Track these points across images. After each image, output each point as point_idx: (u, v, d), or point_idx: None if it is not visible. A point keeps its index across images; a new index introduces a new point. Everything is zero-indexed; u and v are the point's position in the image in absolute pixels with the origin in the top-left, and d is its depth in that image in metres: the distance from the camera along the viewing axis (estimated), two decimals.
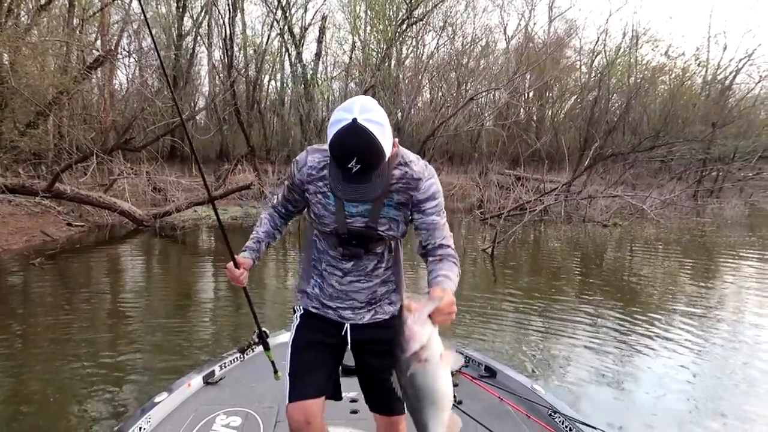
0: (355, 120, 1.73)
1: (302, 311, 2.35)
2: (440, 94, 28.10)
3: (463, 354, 4.41)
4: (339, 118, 1.76)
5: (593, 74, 30.86)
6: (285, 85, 28.42)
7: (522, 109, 33.22)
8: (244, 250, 2.31)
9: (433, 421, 1.63)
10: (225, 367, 4.27)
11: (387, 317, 2.24)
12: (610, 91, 29.54)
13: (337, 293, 2.22)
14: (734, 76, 32.05)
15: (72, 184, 15.14)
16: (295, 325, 2.33)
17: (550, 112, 34.59)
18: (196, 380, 4.05)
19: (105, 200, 14.39)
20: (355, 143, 1.75)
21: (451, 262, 2.00)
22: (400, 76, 26.01)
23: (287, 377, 2.22)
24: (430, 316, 1.59)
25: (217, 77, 27.38)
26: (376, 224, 2.03)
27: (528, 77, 29.93)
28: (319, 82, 26.00)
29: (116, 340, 6.48)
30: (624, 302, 8.50)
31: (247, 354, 4.37)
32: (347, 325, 2.24)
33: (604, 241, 14.93)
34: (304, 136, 23.45)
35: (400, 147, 2.01)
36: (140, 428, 3.36)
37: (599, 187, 20.81)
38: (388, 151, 1.83)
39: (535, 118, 34.40)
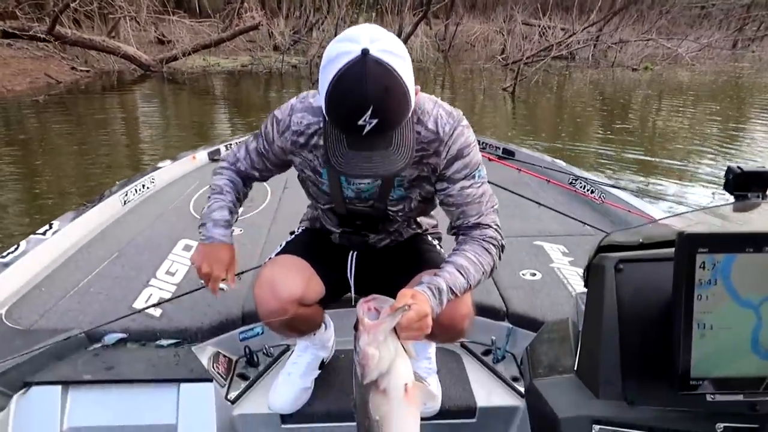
0: (365, 51, 1.11)
1: (300, 230, 1.90)
2: None
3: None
4: (340, 52, 1.13)
5: None
6: None
7: None
8: (220, 226, 1.60)
9: None
10: (231, 147, 4.19)
11: (407, 237, 1.74)
12: None
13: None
14: None
15: (79, 31, 14.45)
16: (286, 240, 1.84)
17: None
18: (201, 154, 4.06)
19: (108, 44, 13.80)
20: (369, 86, 1.11)
21: (484, 248, 1.40)
22: None
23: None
24: (395, 329, 1.16)
25: None
26: (384, 204, 1.53)
27: None
28: None
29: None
30: (647, 149, 8.00)
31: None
32: (352, 254, 1.73)
33: (632, 86, 14.13)
34: None
35: (418, 99, 1.35)
36: (143, 185, 3.36)
37: (632, 35, 19.45)
38: (412, 99, 1.21)
39: None
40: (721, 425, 0.99)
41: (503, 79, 13.52)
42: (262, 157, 1.59)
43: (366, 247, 1.69)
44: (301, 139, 1.46)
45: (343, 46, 1.13)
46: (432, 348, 1.89)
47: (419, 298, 1.22)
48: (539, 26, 19.00)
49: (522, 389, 1.86)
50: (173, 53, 14.45)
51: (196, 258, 1.58)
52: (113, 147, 7.17)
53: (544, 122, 9.24)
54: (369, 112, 1.12)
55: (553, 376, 1.17)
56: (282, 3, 20.47)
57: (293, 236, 1.85)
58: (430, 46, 18.11)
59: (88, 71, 13.57)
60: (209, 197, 1.64)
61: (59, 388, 1.70)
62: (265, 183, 3.32)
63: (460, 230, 1.48)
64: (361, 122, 1.13)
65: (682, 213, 1.14)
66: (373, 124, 1.13)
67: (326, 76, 1.15)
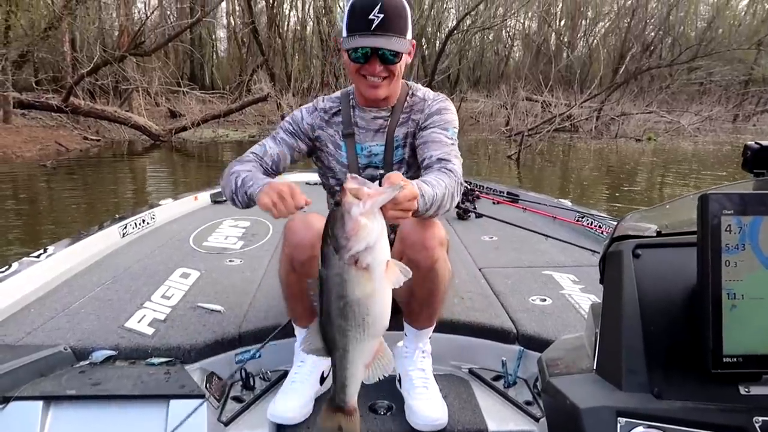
0: None
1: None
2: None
3: (477, 185, 4.29)
4: None
5: None
6: (306, 16, 27.42)
7: (553, 34, 31.71)
8: (266, 179, 1.63)
9: (355, 348, 1.21)
10: None
11: None
12: (648, 13, 27.87)
13: None
14: None
15: (92, 103, 14.86)
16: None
17: (582, 41, 32.96)
18: (203, 195, 4.08)
19: (120, 114, 14.14)
20: None
21: (441, 171, 1.58)
22: None
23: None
24: (382, 209, 1.16)
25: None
26: (389, 169, 1.80)
27: (560, 4, 28.41)
28: None
29: None
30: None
31: None
32: None
33: (636, 156, 14.19)
34: (325, 58, 22.66)
35: (413, 82, 1.88)
36: (143, 220, 3.37)
37: (633, 109, 19.82)
38: (409, 23, 1.65)
39: (566, 40, 32.83)
40: (760, 419, 0.89)
41: (507, 149, 13.64)
42: (293, 135, 1.82)
43: None
44: (326, 117, 1.84)
45: None
46: (427, 361, 1.85)
47: (410, 184, 1.30)
48: (542, 101, 19.48)
49: (536, 413, 1.79)
50: (183, 124, 14.75)
51: (263, 200, 1.47)
52: (118, 204, 7.11)
53: (551, 185, 9.17)
54: (378, 6, 1.54)
55: (572, 375, 1.09)
56: (291, 76, 21.10)
57: None
58: None
59: (98, 140, 13.81)
60: (236, 177, 1.63)
61: (40, 403, 1.59)
62: (267, 221, 3.34)
63: (424, 169, 1.67)
64: (371, 16, 1.54)
65: (697, 192, 0.94)
66: (380, 18, 1.54)
67: None
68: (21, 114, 13.51)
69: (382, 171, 1.78)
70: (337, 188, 1.76)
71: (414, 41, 1.69)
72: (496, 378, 2.02)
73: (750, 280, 0.87)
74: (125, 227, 3.19)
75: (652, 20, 26.42)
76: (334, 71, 19.68)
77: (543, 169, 11.28)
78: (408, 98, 1.81)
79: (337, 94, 1.87)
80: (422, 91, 1.83)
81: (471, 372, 2.07)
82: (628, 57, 20.44)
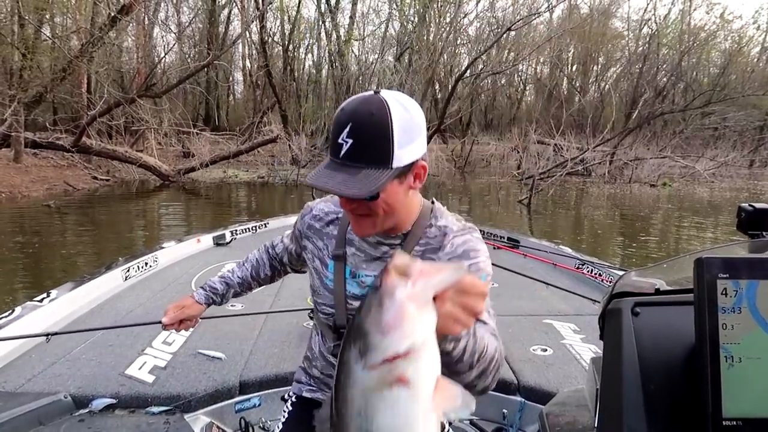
0: (377, 91, 1.18)
1: (293, 398, 1.64)
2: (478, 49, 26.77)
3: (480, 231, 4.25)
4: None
5: (641, 43, 29.27)
6: (321, 59, 27.88)
7: (565, 79, 31.91)
8: (204, 288, 1.68)
9: None
10: (236, 234, 4.34)
11: None
12: (659, 59, 27.99)
13: None
14: None
15: (104, 142, 14.96)
16: (280, 426, 1.59)
17: (594, 86, 33.11)
18: (206, 238, 4.11)
19: (131, 155, 14.19)
20: (356, 109, 1.14)
21: (487, 332, 1.17)
22: (437, 37, 24.94)
23: None
24: (437, 298, 0.76)
25: (251, 44, 27.10)
26: None
27: (571, 50, 28.63)
28: (353, 38, 25.21)
29: None
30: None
31: (259, 229, 4.62)
32: None
33: (650, 203, 13.90)
34: (337, 100, 22.87)
35: (439, 205, 1.37)
36: (146, 263, 3.38)
37: (647, 153, 19.63)
38: (395, 145, 1.15)
39: (578, 85, 32.98)
40: None
41: (519, 193, 13.42)
42: (293, 240, 1.60)
43: None
44: (317, 225, 1.46)
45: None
46: None
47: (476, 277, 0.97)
48: (553, 144, 19.37)
49: None
50: (192, 164, 14.76)
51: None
52: (122, 244, 6.97)
53: (563, 233, 8.90)
54: (347, 129, 1.14)
55: None
56: (303, 118, 21.26)
57: (287, 419, 1.57)
58: (446, 161, 18.39)
59: (107, 180, 13.83)
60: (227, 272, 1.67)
61: None
62: None
63: None
64: (340, 140, 1.15)
65: (694, 253, 0.96)
66: (348, 143, 1.15)
67: None
68: (33, 153, 13.59)
69: None
70: (324, 316, 1.44)
71: (422, 160, 1.22)
72: (498, 430, 2.03)
73: (747, 342, 0.87)
74: (128, 270, 3.20)
75: (664, 66, 26.52)
76: None
77: (555, 214, 11.02)
78: (427, 227, 1.35)
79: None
80: (445, 220, 1.35)
81: (472, 423, 2.05)
82: (640, 102, 20.37)
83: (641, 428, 0.94)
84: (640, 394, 0.96)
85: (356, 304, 1.29)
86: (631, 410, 0.95)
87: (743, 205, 1.16)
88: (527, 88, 33.10)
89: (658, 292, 1.05)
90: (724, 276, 0.86)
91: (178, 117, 15.43)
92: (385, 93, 1.17)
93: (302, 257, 1.53)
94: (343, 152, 1.14)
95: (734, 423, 0.85)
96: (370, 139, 1.14)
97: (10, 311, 2.37)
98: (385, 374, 0.70)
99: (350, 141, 1.13)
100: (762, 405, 0.87)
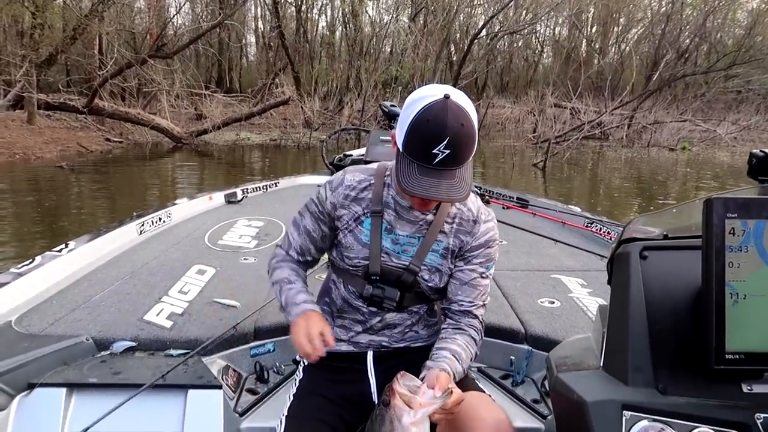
0: (447, 96, 1.31)
1: (305, 362, 1.70)
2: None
3: (487, 190, 4.53)
4: (424, 95, 1.33)
5: (664, 2, 28.28)
6: (335, 20, 27.30)
7: (584, 40, 31.09)
8: (306, 302, 1.56)
9: None
10: (247, 192, 4.35)
11: (423, 344, 1.66)
12: (683, 20, 27.08)
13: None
14: None
15: (116, 105, 14.92)
16: (296, 385, 1.64)
17: (614, 48, 32.21)
18: (217, 195, 4.12)
19: (143, 116, 14.16)
20: (449, 121, 1.29)
21: (471, 338, 1.54)
22: None
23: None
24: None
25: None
26: (419, 266, 1.54)
27: (591, 10, 27.79)
28: None
29: None
30: None
31: (270, 188, 4.61)
32: (370, 354, 1.64)
33: (669, 166, 13.63)
34: (350, 62, 22.49)
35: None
36: (159, 218, 3.44)
37: (666, 117, 19.17)
38: (475, 144, 1.39)
39: (597, 47, 32.13)
40: (761, 415, 0.94)
41: (534, 157, 13.21)
42: (317, 222, 1.60)
43: (382, 351, 1.64)
44: (353, 193, 1.55)
45: (428, 92, 1.33)
46: None
47: (452, 381, 1.33)
48: (570, 108, 18.98)
49: (544, 411, 1.83)
50: (205, 126, 14.70)
51: (293, 338, 1.48)
52: (134, 204, 6.98)
53: (578, 196, 8.77)
54: (444, 143, 1.29)
55: (579, 371, 1.14)
56: (316, 80, 21.00)
57: (299, 385, 1.63)
58: None
59: (121, 142, 13.84)
60: (279, 290, 1.61)
61: (63, 390, 1.65)
62: (280, 222, 3.46)
63: (449, 311, 1.58)
64: (435, 150, 1.30)
65: (704, 197, 0.93)
66: (445, 154, 1.30)
67: (411, 109, 1.33)
68: (46, 115, 13.59)
69: (407, 262, 1.54)
70: (352, 268, 1.56)
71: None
72: (505, 377, 2.07)
73: (752, 279, 0.90)
74: (143, 225, 3.26)
75: (688, 27, 25.66)
76: (358, 75, 19.47)
77: (571, 178, 10.86)
78: (457, 208, 1.56)
79: (373, 166, 1.59)
80: (475, 204, 1.57)
81: (480, 371, 2.10)
82: (662, 64, 19.79)
83: (646, 367, 0.99)
84: (645, 335, 1.00)
85: (388, 257, 1.54)
86: (636, 350, 1.00)
87: (755, 151, 1.16)
88: (545, 50, 32.31)
89: (666, 237, 1.09)
90: (733, 216, 0.90)
91: (190, 78, 15.32)
92: (455, 97, 1.31)
93: (330, 235, 1.60)
94: (437, 160, 1.30)
95: (737, 356, 0.91)
96: (464, 147, 1.32)
97: (31, 260, 2.44)
98: None
99: (447, 152, 1.29)
100: (764, 340, 0.91)
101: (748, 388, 0.96)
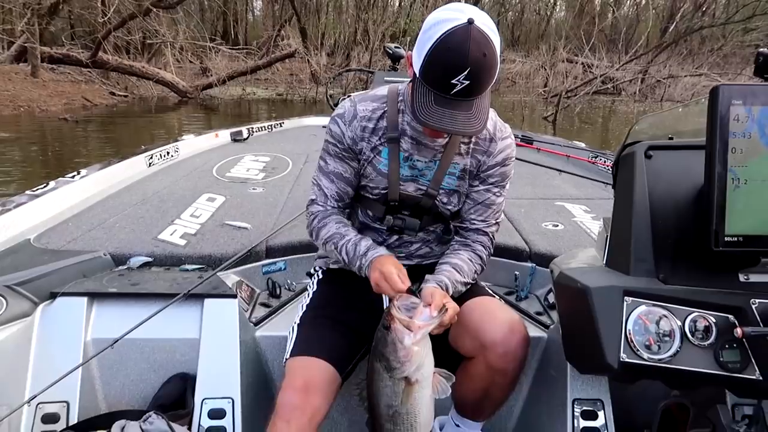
0: (471, 21, 1.21)
1: (320, 274, 1.76)
2: None
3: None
4: (447, 18, 1.24)
5: None
6: None
7: None
8: (370, 248, 1.52)
9: None
10: (253, 132, 4.39)
11: (437, 260, 1.62)
12: None
13: None
14: None
15: (121, 58, 14.70)
16: (309, 296, 1.69)
17: (630, 0, 31.21)
18: (223, 133, 4.17)
19: (148, 70, 13.98)
20: (471, 51, 1.21)
21: (477, 254, 1.57)
22: None
23: (294, 330, 1.58)
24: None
25: None
26: (437, 190, 1.54)
27: None
28: None
29: None
30: None
31: (275, 128, 4.68)
32: None
33: None
34: (358, 15, 21.95)
35: None
36: (167, 152, 3.51)
37: (681, 71, 18.70)
38: (497, 73, 1.32)
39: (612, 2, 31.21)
40: (757, 301, 0.97)
41: (544, 111, 12.98)
42: (344, 161, 1.56)
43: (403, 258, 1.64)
44: (370, 124, 1.52)
45: (450, 14, 1.24)
46: None
47: (449, 298, 1.35)
48: (582, 62, 18.53)
49: (547, 322, 1.89)
50: (210, 80, 14.51)
51: (372, 276, 1.45)
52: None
53: None
54: (465, 73, 1.22)
55: (583, 267, 1.15)
56: (323, 33, 20.56)
57: (312, 296, 1.69)
58: None
59: (126, 96, 13.71)
60: (334, 247, 1.56)
61: (85, 299, 1.72)
62: (286, 157, 3.66)
63: (461, 229, 1.61)
64: (454, 81, 1.24)
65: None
66: (464, 85, 1.24)
67: (430, 34, 1.24)
68: (50, 68, 13.44)
69: (425, 187, 1.54)
70: (371, 195, 1.59)
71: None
72: (510, 293, 2.12)
73: (754, 165, 0.92)
74: (151, 157, 3.33)
75: None
76: (365, 28, 19.04)
77: (581, 130, 10.70)
78: None
79: (383, 91, 1.53)
80: (492, 120, 1.53)
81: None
82: (678, 15, 19.18)
83: (648, 258, 1.03)
84: (648, 228, 1.03)
85: (406, 184, 1.54)
86: (639, 242, 1.04)
87: (762, 49, 1.16)
88: (558, 2, 31.41)
89: (671, 140, 1.13)
90: (738, 102, 0.91)
91: (194, 30, 15.04)
92: (480, 23, 1.22)
93: (358, 168, 1.58)
94: (456, 90, 1.25)
95: (735, 239, 0.94)
96: (484, 77, 1.26)
97: (45, 184, 2.49)
98: (404, 380, 1.24)
99: (467, 82, 1.23)
100: (762, 223, 0.95)
101: (745, 277, 1.01)
